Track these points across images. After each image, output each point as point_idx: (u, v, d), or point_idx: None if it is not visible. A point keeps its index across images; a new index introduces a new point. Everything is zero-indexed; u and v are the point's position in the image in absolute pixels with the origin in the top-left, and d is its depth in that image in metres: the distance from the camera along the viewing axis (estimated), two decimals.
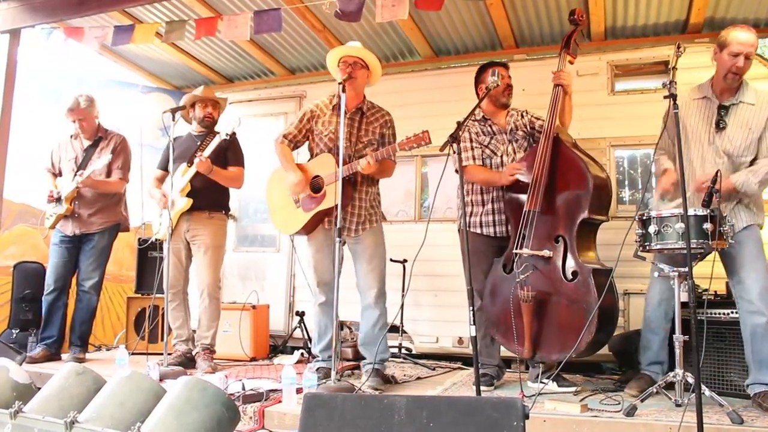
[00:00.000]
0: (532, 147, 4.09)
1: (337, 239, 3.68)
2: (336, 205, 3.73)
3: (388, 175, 4.20)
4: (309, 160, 4.25)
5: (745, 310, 3.47)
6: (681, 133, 3.69)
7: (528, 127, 4.21)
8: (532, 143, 4.16)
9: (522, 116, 4.25)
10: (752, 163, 3.55)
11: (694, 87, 3.76)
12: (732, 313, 3.67)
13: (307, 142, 4.31)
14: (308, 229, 4.14)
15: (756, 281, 3.42)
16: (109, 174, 4.97)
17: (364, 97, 4.22)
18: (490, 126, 4.18)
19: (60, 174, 5.08)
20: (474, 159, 4.12)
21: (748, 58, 3.47)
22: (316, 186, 4.09)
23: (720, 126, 3.54)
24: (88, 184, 4.80)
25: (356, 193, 4.07)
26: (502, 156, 4.14)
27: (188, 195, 4.60)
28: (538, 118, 4.17)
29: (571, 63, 4.14)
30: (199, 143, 4.70)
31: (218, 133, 4.58)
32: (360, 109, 4.14)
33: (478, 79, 4.25)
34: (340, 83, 3.86)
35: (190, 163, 4.60)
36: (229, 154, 4.76)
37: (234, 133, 4.51)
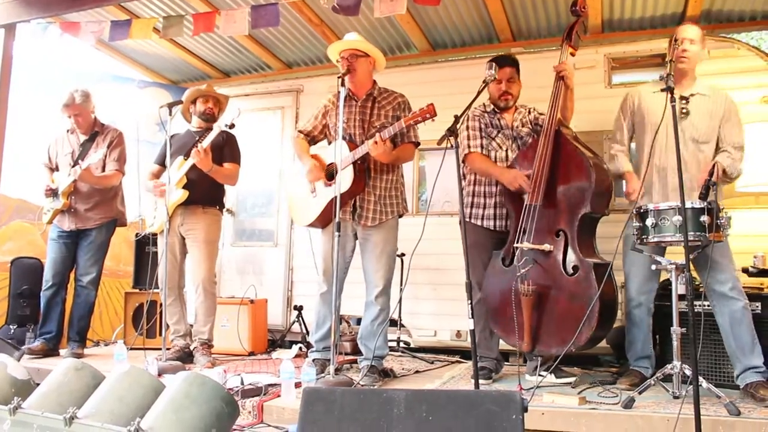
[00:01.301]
0: (533, 140, 4.09)
1: (336, 233, 3.67)
2: (335, 197, 3.72)
3: (408, 159, 4.20)
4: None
5: (719, 300, 3.52)
6: (641, 124, 3.85)
7: (532, 123, 4.21)
8: (534, 137, 4.15)
9: (529, 112, 4.25)
10: (716, 148, 3.72)
11: (650, 82, 3.96)
12: None
13: (326, 138, 4.32)
14: (324, 218, 4.12)
15: (729, 274, 3.50)
16: (104, 168, 4.96)
17: (374, 83, 4.21)
18: (498, 120, 4.18)
19: (57, 169, 5.07)
20: (481, 147, 4.13)
21: (693, 43, 3.71)
22: (330, 173, 4.09)
23: (683, 112, 3.66)
24: (85, 178, 4.79)
25: (372, 180, 4.05)
26: (507, 150, 4.14)
27: (184, 187, 4.60)
28: (542, 114, 4.16)
29: (573, 55, 4.14)
30: (197, 138, 4.69)
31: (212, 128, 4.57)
32: (371, 95, 4.14)
33: None
34: (339, 77, 3.86)
35: (187, 156, 4.59)
36: (226, 150, 4.76)
37: (233, 125, 4.50)
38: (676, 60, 3.59)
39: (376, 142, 3.78)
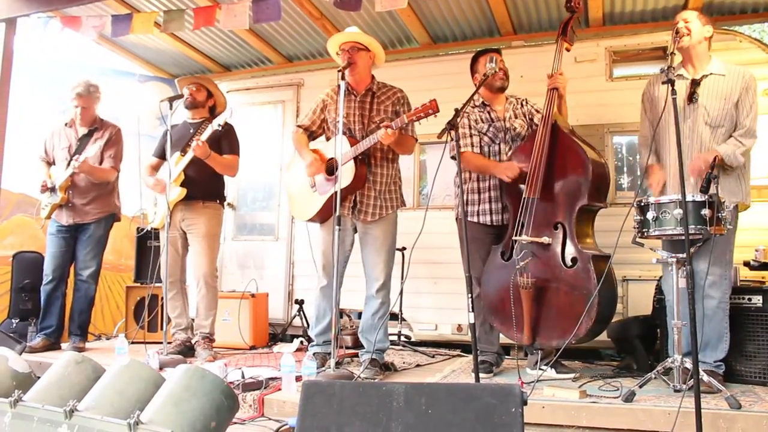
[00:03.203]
0: (530, 134, 4.08)
1: (337, 227, 3.67)
2: (336, 192, 3.70)
3: (409, 151, 4.19)
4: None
5: (700, 295, 3.50)
6: (655, 116, 3.75)
7: (527, 117, 4.20)
8: (529, 132, 4.15)
9: (522, 105, 4.24)
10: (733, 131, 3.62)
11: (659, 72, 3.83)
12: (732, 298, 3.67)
13: (324, 133, 4.31)
14: (324, 214, 4.10)
15: (713, 271, 3.48)
16: (101, 162, 4.97)
17: (373, 78, 4.20)
18: (488, 113, 4.17)
19: (53, 163, 5.07)
20: (472, 146, 4.11)
21: (689, 22, 3.63)
22: (331, 168, 4.08)
23: (693, 99, 3.59)
24: (84, 169, 4.78)
25: (372, 175, 4.05)
26: (499, 144, 4.13)
27: (182, 184, 4.59)
28: (538, 111, 4.15)
29: (568, 50, 4.15)
30: (192, 132, 4.68)
31: (212, 122, 4.56)
32: (370, 90, 4.13)
33: (473, 68, 4.24)
34: (339, 71, 3.85)
35: (184, 152, 4.59)
36: (224, 142, 4.73)
37: (226, 123, 4.49)
38: (678, 39, 3.54)
39: (387, 133, 3.75)
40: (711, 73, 3.63)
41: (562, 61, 4.10)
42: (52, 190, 4.92)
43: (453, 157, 3.35)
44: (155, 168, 4.88)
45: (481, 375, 3.30)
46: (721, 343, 3.52)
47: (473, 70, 4.23)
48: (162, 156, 4.76)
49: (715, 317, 3.50)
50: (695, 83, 3.60)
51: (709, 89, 3.61)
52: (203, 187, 4.68)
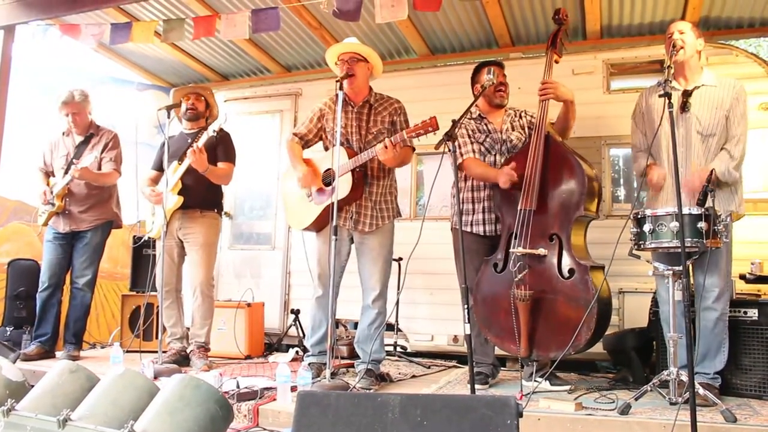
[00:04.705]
0: (523, 146, 4.09)
1: (333, 237, 3.67)
2: (333, 203, 3.70)
3: (408, 162, 4.22)
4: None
5: (702, 307, 3.52)
6: (649, 127, 3.81)
7: (526, 128, 4.21)
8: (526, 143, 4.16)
9: (520, 117, 4.25)
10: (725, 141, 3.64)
11: (653, 85, 3.85)
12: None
13: (321, 141, 4.31)
14: (320, 223, 4.11)
15: (716, 284, 3.50)
16: (99, 167, 4.95)
17: (371, 89, 4.21)
18: (486, 125, 4.18)
19: (53, 173, 5.05)
20: (473, 152, 4.12)
21: (683, 33, 3.66)
22: (327, 179, 4.08)
23: (685, 108, 3.61)
24: (84, 175, 4.75)
25: (368, 186, 4.06)
26: (495, 155, 4.14)
27: (179, 193, 4.59)
28: (534, 117, 4.16)
29: (557, 62, 4.16)
30: (190, 141, 4.68)
31: (207, 129, 4.56)
32: (367, 102, 4.14)
33: (474, 79, 4.25)
34: (337, 81, 3.85)
35: (181, 161, 4.58)
36: (219, 150, 4.73)
37: (221, 130, 4.48)
38: (675, 53, 3.56)
39: (386, 147, 3.77)
40: (703, 85, 3.66)
41: (557, 73, 4.11)
42: (51, 202, 4.90)
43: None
44: (154, 180, 4.87)
45: (476, 386, 3.29)
46: (720, 354, 3.52)
47: (474, 81, 4.24)
48: (160, 168, 4.76)
49: (716, 328, 3.50)
50: (687, 94, 3.63)
51: (701, 99, 3.63)
52: (201, 196, 4.67)
